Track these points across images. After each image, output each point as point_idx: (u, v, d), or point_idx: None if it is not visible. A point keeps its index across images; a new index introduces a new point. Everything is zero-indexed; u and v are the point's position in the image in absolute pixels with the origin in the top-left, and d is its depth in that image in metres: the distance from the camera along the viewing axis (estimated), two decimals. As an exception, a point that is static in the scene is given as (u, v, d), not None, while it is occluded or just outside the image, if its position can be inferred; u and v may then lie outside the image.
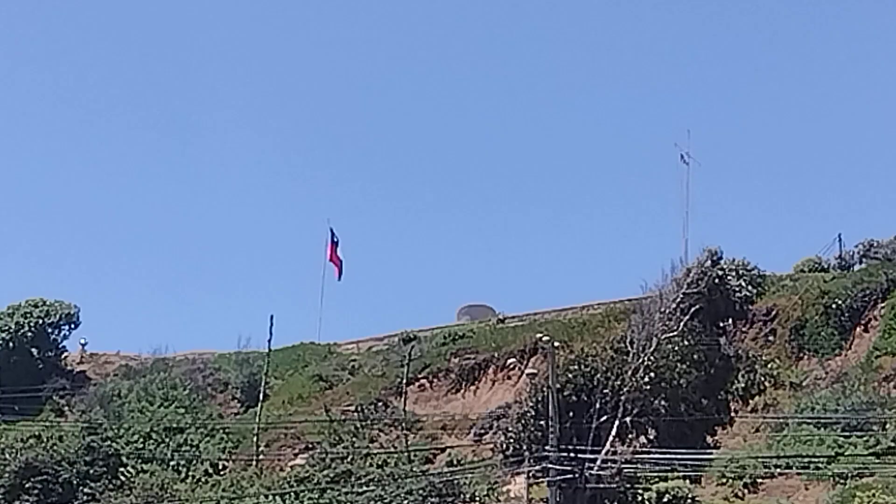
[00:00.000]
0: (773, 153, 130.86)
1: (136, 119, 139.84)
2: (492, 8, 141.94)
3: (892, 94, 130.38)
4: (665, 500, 50.36)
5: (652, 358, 54.48)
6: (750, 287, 63.77)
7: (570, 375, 52.90)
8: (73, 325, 74.49)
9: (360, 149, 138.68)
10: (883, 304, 61.50)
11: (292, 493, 55.50)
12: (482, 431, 61.30)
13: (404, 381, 65.91)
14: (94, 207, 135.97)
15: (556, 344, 53.80)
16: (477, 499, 53.65)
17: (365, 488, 54.22)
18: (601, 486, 50.31)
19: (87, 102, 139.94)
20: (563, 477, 48.93)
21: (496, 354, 66.66)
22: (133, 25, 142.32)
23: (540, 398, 52.60)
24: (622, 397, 52.68)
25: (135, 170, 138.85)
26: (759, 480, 53.81)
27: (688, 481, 51.89)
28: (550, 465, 48.93)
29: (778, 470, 53.88)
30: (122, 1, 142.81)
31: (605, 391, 52.59)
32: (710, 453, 55.22)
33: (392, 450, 59.96)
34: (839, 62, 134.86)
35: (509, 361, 65.48)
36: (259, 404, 65.69)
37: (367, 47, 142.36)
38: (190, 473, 61.12)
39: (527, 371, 61.59)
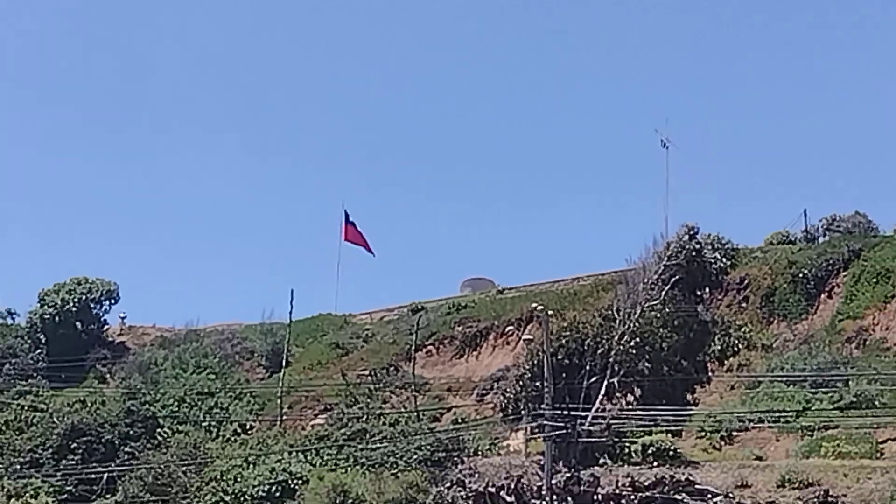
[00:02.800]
0: (744, 137, 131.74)
1: (170, 109, 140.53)
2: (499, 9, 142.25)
3: (851, 81, 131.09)
4: (649, 452, 49.95)
5: (636, 324, 54.24)
6: (724, 259, 63.65)
7: (562, 341, 52.58)
8: (113, 301, 74.73)
9: (373, 139, 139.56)
10: (845, 273, 61.62)
11: (313, 450, 55.30)
12: (484, 392, 61.27)
13: (413, 347, 65.93)
14: (132, 193, 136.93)
15: (550, 312, 53.41)
16: (480, 453, 53.41)
17: (378, 445, 54.05)
18: (592, 440, 50.00)
19: (118, 91, 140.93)
20: (557, 432, 48.62)
21: (496, 323, 66.66)
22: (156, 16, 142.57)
23: (536, 362, 52.35)
24: (610, 360, 52.38)
25: (170, 160, 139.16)
26: (735, 433, 53.62)
27: (670, 435, 51.49)
28: (546, 422, 48.66)
29: (751, 423, 53.70)
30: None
31: (594, 355, 52.31)
32: (690, 410, 54.99)
33: (402, 410, 59.83)
34: (799, 56, 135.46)
35: (508, 329, 65.37)
36: (282, 370, 65.66)
37: (369, 40, 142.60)
38: (220, 433, 61.16)
39: (524, 337, 60.81)
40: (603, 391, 51.88)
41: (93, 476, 55.83)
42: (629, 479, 48.40)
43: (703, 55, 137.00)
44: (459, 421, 58.16)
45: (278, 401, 63.12)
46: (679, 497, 47.59)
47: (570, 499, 48.27)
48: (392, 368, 65.06)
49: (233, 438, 60.46)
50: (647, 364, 53.84)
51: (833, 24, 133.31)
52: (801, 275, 62.24)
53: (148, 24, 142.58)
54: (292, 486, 52.25)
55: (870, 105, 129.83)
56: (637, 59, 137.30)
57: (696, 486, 47.74)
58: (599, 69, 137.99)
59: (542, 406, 49.22)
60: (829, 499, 46.04)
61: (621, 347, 53.01)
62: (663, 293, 57.58)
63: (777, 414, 53.57)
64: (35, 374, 68.39)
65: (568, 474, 48.55)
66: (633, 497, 48.04)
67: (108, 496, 54.90)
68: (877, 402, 52.80)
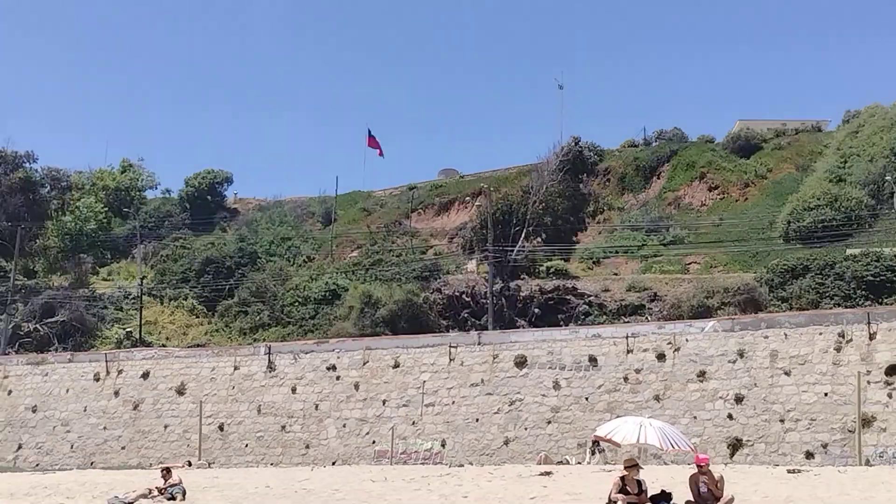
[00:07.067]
0: (611, 76, 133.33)
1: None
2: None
3: (674, 38, 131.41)
4: (551, 271, 50.81)
5: (543, 196, 54.96)
6: (596, 156, 64.49)
7: (499, 206, 53.27)
8: (229, 183, 74.66)
9: (394, 64, 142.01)
10: (668, 164, 63.01)
11: (351, 271, 55.46)
12: (452, 237, 62.26)
13: (410, 210, 66.67)
14: (245, 106, 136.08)
15: (492, 189, 55.02)
16: (450, 273, 53.93)
17: (390, 268, 54.25)
18: (516, 265, 50.79)
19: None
20: (496, 260, 49.45)
21: (459, 195, 67.36)
22: None
23: (483, 219, 53.25)
24: (527, 217, 53.10)
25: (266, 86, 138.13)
26: (601, 260, 54.89)
27: (563, 261, 52.62)
28: (489, 254, 49.51)
29: (611, 254, 55.17)
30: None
31: (518, 214, 52.98)
32: (575, 246, 56.12)
33: (404, 248, 60.35)
34: (664, 26, 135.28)
35: (466, 199, 66.30)
36: (332, 224, 66.04)
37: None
38: (294, 262, 60.93)
39: (476, 204, 62.07)
40: (523, 236, 52.73)
41: (220, 288, 55.93)
42: (538, 287, 49.52)
43: (593, 22, 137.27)
44: (438, 254, 58.60)
45: (330, 242, 63.23)
46: (568, 298, 48.57)
47: (503, 299, 48.94)
48: (397, 223, 65.44)
49: (302, 264, 60.38)
50: (549, 220, 54.96)
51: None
52: (641, 165, 63.55)
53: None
54: (339, 293, 52.31)
55: (688, 54, 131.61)
56: (547, 24, 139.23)
57: (578, 291, 49.01)
58: (525, 33, 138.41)
59: (487, 245, 50.19)
60: (657, 297, 47.30)
61: (534, 210, 53.75)
62: (559, 177, 58.40)
63: (626, 248, 55.20)
64: (183, 227, 68.50)
65: (502, 285, 49.48)
66: (541, 297, 48.87)
67: (229, 299, 54.86)
68: (685, 241, 54.86)
